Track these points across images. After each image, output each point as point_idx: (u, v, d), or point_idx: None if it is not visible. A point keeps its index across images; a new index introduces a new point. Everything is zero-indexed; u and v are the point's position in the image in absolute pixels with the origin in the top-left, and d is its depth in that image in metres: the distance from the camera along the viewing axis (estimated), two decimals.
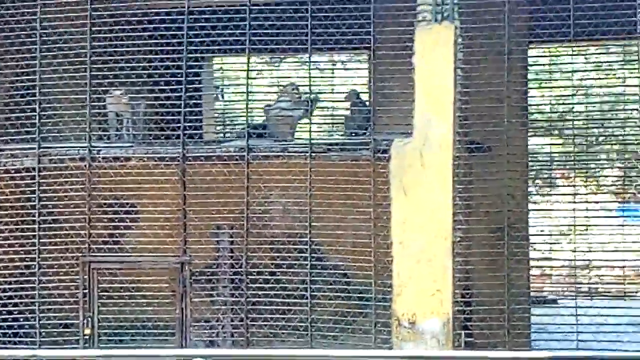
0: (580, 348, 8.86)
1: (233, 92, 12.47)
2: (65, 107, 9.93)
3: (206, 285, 9.64)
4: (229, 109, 11.65)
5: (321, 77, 12.15)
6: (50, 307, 9.71)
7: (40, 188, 9.76)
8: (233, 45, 9.57)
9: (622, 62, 10.44)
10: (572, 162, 10.20)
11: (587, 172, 12.21)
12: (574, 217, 9.59)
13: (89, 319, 9.58)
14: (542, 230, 12.39)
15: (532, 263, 10.73)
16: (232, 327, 9.53)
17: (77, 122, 9.86)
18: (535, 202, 13.23)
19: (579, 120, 9.88)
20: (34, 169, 9.81)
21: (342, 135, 10.40)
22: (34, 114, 9.84)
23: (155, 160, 9.69)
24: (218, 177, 9.52)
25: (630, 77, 10.32)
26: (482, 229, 9.23)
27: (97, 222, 9.71)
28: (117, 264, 9.71)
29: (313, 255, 9.31)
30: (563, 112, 10.92)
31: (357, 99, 10.38)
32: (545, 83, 11.95)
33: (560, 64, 11.01)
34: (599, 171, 13.75)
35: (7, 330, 9.72)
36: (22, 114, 9.93)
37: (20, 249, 9.78)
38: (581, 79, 10.01)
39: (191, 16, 9.63)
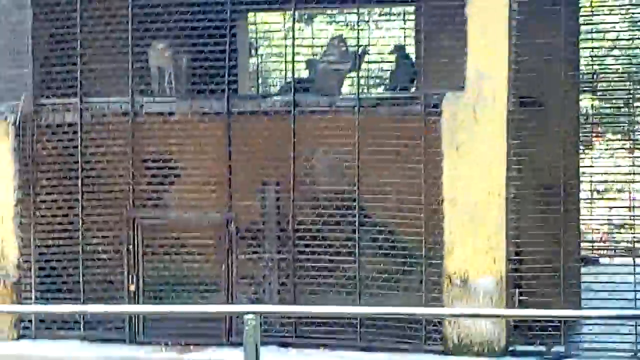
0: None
1: (274, 45, 12.23)
2: (107, 61, 9.74)
3: (252, 242, 9.48)
4: (271, 62, 11.43)
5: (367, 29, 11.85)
6: (93, 263, 9.62)
7: (83, 143, 9.63)
8: None
9: None
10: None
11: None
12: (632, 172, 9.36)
13: (134, 275, 9.48)
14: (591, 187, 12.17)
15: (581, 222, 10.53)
16: (279, 284, 9.40)
17: (119, 77, 9.69)
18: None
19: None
20: (75, 123, 9.67)
21: (389, 89, 10.17)
22: (75, 67, 9.68)
23: (200, 115, 9.51)
24: (263, 133, 9.34)
25: None
26: (535, 185, 9.04)
27: (140, 177, 9.58)
28: (161, 220, 9.58)
29: (360, 212, 9.15)
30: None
31: (402, 54, 10.18)
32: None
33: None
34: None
35: (51, 286, 9.63)
36: (63, 68, 9.76)
37: (64, 204, 9.66)
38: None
39: None
